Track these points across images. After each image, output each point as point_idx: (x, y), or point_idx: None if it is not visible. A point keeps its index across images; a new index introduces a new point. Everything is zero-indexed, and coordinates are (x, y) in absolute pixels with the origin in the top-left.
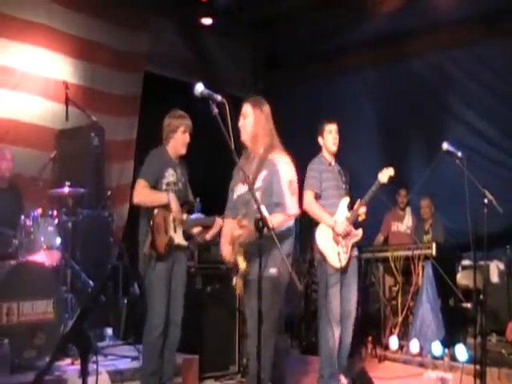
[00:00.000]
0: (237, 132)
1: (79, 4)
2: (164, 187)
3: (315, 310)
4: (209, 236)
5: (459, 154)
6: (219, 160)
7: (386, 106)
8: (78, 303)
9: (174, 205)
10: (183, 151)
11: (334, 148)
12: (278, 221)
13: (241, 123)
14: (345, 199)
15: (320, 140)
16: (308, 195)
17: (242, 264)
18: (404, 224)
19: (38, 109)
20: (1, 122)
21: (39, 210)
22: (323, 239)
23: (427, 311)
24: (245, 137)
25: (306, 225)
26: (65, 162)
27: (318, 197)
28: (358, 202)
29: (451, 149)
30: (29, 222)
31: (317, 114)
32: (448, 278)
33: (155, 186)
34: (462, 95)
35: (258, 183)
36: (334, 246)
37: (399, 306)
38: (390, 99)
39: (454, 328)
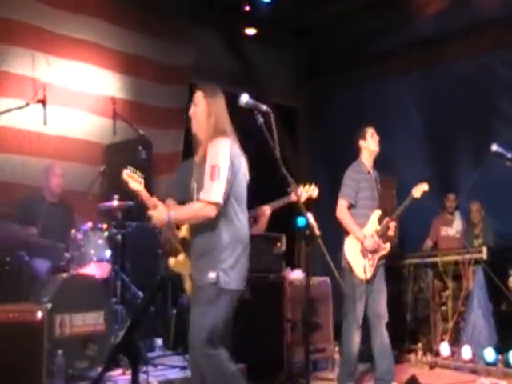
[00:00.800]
0: (283, 142)
1: (126, 21)
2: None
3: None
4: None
5: (509, 155)
6: (264, 170)
7: (432, 109)
8: (128, 314)
9: None
10: None
11: (376, 149)
12: (191, 210)
13: (191, 111)
14: (376, 212)
15: (362, 142)
16: (342, 204)
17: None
18: (453, 228)
19: (86, 124)
20: (51, 138)
21: (89, 224)
22: (351, 250)
23: (479, 316)
24: (195, 125)
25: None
26: (113, 176)
27: (351, 206)
28: (387, 218)
29: (500, 150)
30: (79, 236)
31: (361, 119)
32: (500, 282)
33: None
34: (511, 95)
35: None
36: (361, 258)
37: (449, 311)
38: (436, 102)
39: (507, 333)
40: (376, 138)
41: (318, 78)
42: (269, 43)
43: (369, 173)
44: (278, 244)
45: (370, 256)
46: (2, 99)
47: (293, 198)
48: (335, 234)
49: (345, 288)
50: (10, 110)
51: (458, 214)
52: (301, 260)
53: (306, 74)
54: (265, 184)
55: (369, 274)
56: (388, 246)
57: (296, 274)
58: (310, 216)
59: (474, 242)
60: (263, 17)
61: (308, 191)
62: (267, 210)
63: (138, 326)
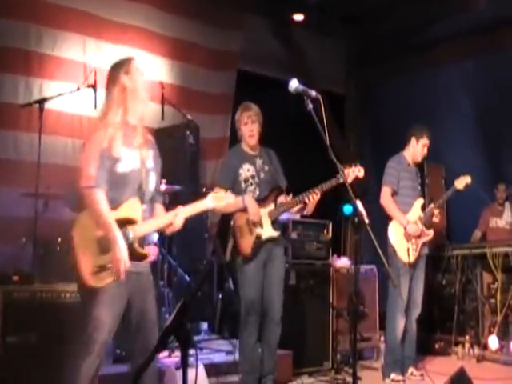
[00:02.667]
0: (331, 129)
1: (174, 6)
2: (243, 185)
3: None
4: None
5: None
6: (314, 156)
7: (484, 98)
8: (175, 298)
9: (250, 206)
10: (252, 142)
11: (420, 159)
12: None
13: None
14: (419, 200)
15: (413, 141)
16: (385, 191)
17: None
18: (503, 219)
19: None
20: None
21: None
22: (395, 235)
23: None
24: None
25: None
26: (161, 160)
27: (394, 193)
28: (431, 205)
29: None
30: None
31: (411, 107)
32: None
33: (233, 187)
34: None
35: (150, 163)
36: (404, 242)
37: (498, 304)
38: (488, 91)
39: None
40: (425, 151)
41: (367, 65)
42: (317, 30)
43: (409, 165)
44: (325, 231)
45: (413, 240)
46: (53, 82)
47: (341, 180)
48: (382, 220)
49: (393, 277)
50: (61, 95)
51: (508, 205)
52: (347, 247)
53: (355, 61)
54: (314, 169)
55: (412, 258)
56: (431, 232)
57: (342, 262)
58: (359, 203)
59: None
60: (312, 3)
61: (354, 171)
62: (317, 193)
63: (188, 309)
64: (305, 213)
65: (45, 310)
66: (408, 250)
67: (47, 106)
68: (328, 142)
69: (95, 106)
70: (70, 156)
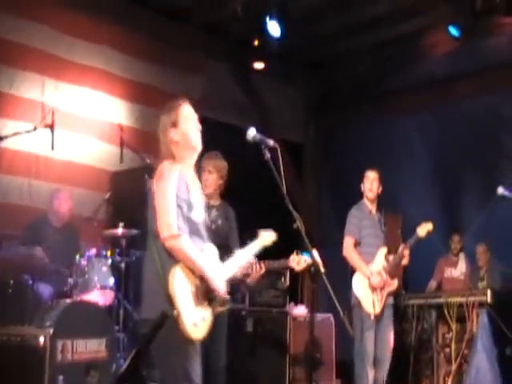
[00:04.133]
0: (289, 177)
1: (134, 48)
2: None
3: None
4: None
5: None
6: (271, 205)
7: (440, 148)
8: (130, 342)
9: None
10: (205, 191)
11: (369, 195)
12: None
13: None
14: (382, 249)
15: (362, 186)
16: (348, 242)
17: None
18: (458, 269)
19: (93, 150)
20: (58, 163)
21: (93, 250)
22: (359, 286)
23: (483, 360)
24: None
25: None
26: (119, 203)
27: (357, 243)
28: (395, 255)
29: (507, 193)
30: (83, 262)
31: (369, 157)
32: (505, 327)
33: None
34: None
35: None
36: (369, 293)
37: (453, 353)
38: (444, 142)
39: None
40: (374, 184)
41: (327, 113)
42: (278, 77)
43: (370, 212)
44: (282, 279)
45: (378, 291)
46: (10, 122)
47: (291, 264)
48: (341, 270)
49: (349, 326)
50: (17, 134)
51: (462, 256)
52: (304, 295)
53: (314, 109)
54: (270, 218)
55: (377, 309)
56: (396, 282)
57: (299, 310)
58: (315, 253)
59: (479, 284)
60: (272, 51)
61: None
62: (261, 267)
63: (143, 356)
64: (247, 281)
65: None
66: (373, 301)
67: (3, 144)
68: (285, 191)
69: (52, 147)
70: (25, 196)
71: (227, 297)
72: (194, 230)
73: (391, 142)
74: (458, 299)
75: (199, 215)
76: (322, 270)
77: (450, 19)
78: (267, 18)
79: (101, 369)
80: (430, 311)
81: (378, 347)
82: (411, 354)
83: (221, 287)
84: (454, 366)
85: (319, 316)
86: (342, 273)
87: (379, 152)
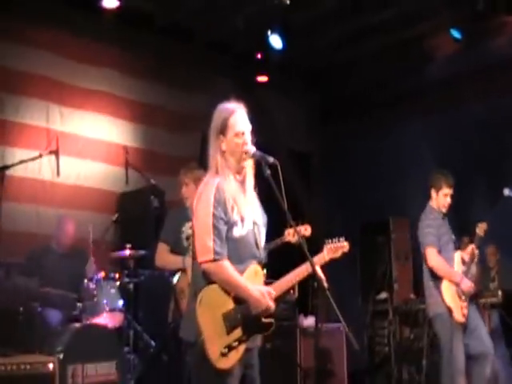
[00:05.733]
0: (296, 188)
1: (140, 70)
2: (185, 243)
3: (380, 362)
4: None
5: None
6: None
7: (447, 152)
8: (141, 364)
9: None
10: (187, 203)
11: (443, 210)
12: None
13: None
14: (458, 253)
15: (433, 193)
16: (431, 252)
17: None
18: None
19: (99, 173)
20: (65, 187)
21: (102, 273)
22: (450, 294)
23: (500, 366)
24: None
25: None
26: (126, 225)
27: (438, 252)
28: (471, 247)
29: None
30: (92, 285)
31: (376, 162)
32: None
33: (176, 244)
34: None
35: (259, 217)
36: (457, 301)
37: None
38: (450, 145)
39: None
40: (448, 200)
41: (332, 122)
42: (281, 89)
43: (443, 219)
44: (291, 291)
45: (463, 297)
46: (16, 150)
47: (287, 239)
48: (350, 281)
49: (354, 340)
50: (23, 162)
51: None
52: (314, 306)
53: (318, 119)
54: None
55: (464, 318)
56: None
57: (309, 321)
58: (318, 269)
59: (490, 285)
60: (275, 63)
61: (299, 231)
62: None
63: None
64: None
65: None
66: (461, 308)
67: (9, 172)
68: (286, 207)
69: (58, 173)
70: (33, 223)
71: (269, 321)
72: (236, 249)
73: (398, 149)
74: None
75: (243, 231)
76: (325, 285)
77: (452, 22)
78: (269, 32)
79: None
80: None
81: (475, 348)
82: (423, 358)
83: (265, 307)
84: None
85: (329, 326)
86: (351, 280)
87: (386, 158)
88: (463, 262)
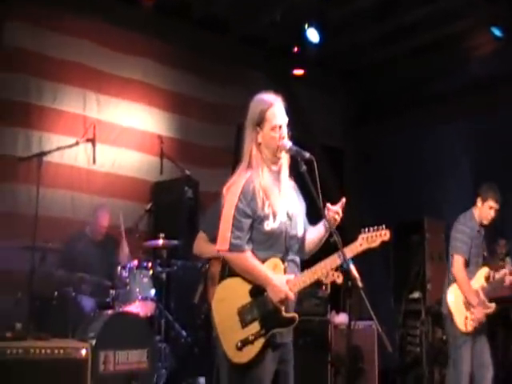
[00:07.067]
0: (329, 184)
1: (174, 60)
2: None
3: (412, 363)
4: None
5: None
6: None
7: (483, 155)
8: (172, 353)
9: None
10: None
11: (484, 222)
12: None
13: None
14: (483, 269)
15: (479, 202)
16: (458, 260)
17: None
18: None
19: (134, 162)
20: (100, 175)
21: (135, 262)
22: (454, 300)
23: None
24: None
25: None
26: (159, 214)
27: (465, 263)
28: (505, 271)
29: None
30: (125, 274)
31: (411, 163)
32: None
33: (215, 236)
34: None
35: (296, 209)
36: (463, 309)
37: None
38: (487, 149)
39: None
40: (492, 214)
41: (366, 120)
42: (317, 84)
43: (478, 231)
44: (323, 287)
45: (472, 310)
46: (53, 136)
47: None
48: (383, 280)
49: (387, 342)
50: (60, 148)
51: (509, 260)
52: (346, 303)
53: (354, 115)
54: None
55: (469, 328)
56: (493, 305)
57: (341, 318)
58: (352, 268)
59: None
60: (312, 58)
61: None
62: None
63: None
64: None
65: (37, 367)
66: (466, 318)
67: (46, 158)
68: (321, 204)
69: (94, 161)
70: (68, 208)
71: (291, 315)
72: (265, 241)
73: (432, 150)
74: (503, 305)
75: (274, 224)
76: (360, 284)
77: (491, 20)
78: (306, 25)
79: (142, 379)
80: None
81: (476, 359)
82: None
83: (284, 296)
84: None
85: (361, 324)
86: (384, 280)
87: (420, 160)
88: (487, 279)
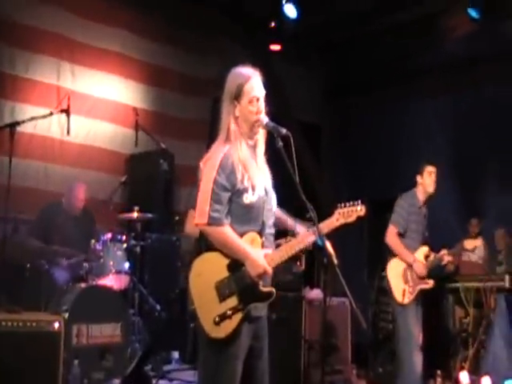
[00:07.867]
0: (306, 159)
1: (151, 32)
2: None
3: (384, 339)
4: None
5: None
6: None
7: (459, 132)
8: (145, 326)
9: None
10: None
11: (429, 189)
12: None
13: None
14: (423, 248)
15: (419, 178)
16: (392, 230)
17: None
18: (475, 254)
19: (109, 134)
20: (74, 146)
21: (109, 235)
22: (393, 273)
23: (500, 346)
24: None
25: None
26: (134, 187)
27: (399, 235)
28: (442, 252)
29: None
30: (99, 246)
31: (385, 138)
32: None
33: None
34: None
35: (270, 183)
36: (401, 282)
37: (470, 339)
38: (464, 126)
39: None
40: (433, 178)
41: (343, 95)
42: (294, 59)
43: (420, 208)
44: (298, 263)
45: (411, 283)
46: (26, 106)
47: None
48: (356, 256)
49: (362, 319)
50: (33, 119)
51: (481, 240)
52: (321, 279)
53: (330, 91)
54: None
55: (406, 300)
56: (431, 281)
57: (315, 294)
58: (328, 244)
59: (497, 269)
60: (289, 33)
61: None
62: None
63: (150, 357)
64: None
65: (10, 340)
66: (404, 290)
67: (19, 128)
68: (297, 180)
69: (68, 132)
70: (42, 180)
71: (268, 289)
72: (243, 215)
73: (408, 125)
74: (476, 284)
75: (253, 197)
76: (335, 261)
77: (469, 1)
78: (284, 1)
79: (116, 353)
80: (447, 295)
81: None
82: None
83: (262, 270)
84: (470, 352)
85: (335, 300)
86: (358, 256)
87: (396, 135)
88: (426, 257)
